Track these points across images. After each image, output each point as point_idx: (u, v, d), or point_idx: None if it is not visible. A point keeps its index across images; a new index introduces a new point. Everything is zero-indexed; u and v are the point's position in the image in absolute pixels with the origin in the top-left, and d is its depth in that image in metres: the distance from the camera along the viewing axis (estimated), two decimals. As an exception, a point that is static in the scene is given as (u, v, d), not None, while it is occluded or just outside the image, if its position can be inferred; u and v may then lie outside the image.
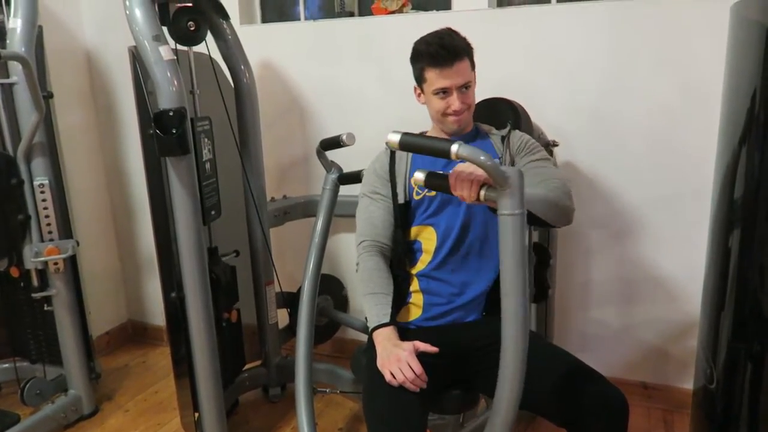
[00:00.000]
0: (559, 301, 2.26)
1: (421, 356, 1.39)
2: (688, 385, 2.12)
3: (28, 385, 2.22)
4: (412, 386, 1.33)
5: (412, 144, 1.21)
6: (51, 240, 2.10)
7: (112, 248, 2.94)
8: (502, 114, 1.73)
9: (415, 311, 1.57)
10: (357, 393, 2.20)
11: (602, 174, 2.12)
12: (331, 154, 2.00)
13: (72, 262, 2.22)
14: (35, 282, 2.13)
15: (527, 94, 1.88)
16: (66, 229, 2.22)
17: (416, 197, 1.57)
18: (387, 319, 1.46)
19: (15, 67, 1.93)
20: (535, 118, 1.83)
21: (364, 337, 2.39)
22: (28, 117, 1.98)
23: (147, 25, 1.66)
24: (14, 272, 2.15)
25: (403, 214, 1.58)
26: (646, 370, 2.27)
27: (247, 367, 2.34)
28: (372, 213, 1.60)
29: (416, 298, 1.58)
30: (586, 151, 2.13)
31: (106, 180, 2.87)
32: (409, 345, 1.39)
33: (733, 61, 1.39)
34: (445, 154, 1.13)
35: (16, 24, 1.94)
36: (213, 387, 1.90)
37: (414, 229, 1.59)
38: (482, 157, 1.10)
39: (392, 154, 1.62)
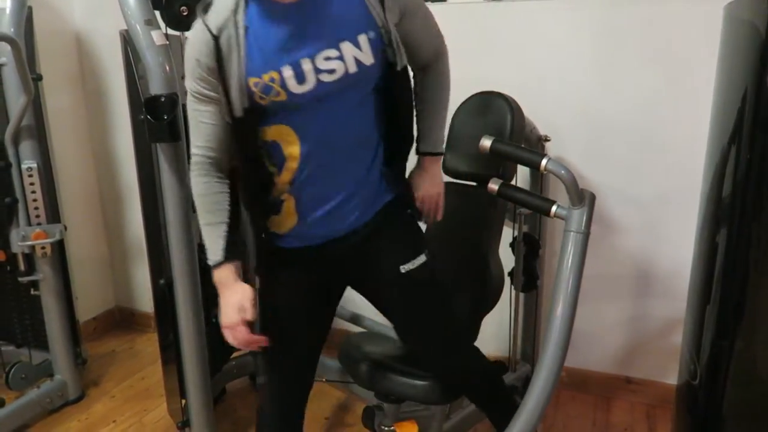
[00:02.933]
0: (546, 292, 2.28)
1: (300, 275, 1.35)
2: (672, 380, 2.15)
3: (13, 369, 2.21)
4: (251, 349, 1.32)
5: (503, 151, 1.26)
6: (38, 224, 2.09)
7: (100, 233, 2.92)
8: (496, 107, 1.73)
9: (289, 221, 1.33)
10: (344, 382, 2.21)
11: (592, 169, 2.13)
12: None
13: (59, 246, 2.20)
14: (22, 266, 2.12)
15: (520, 88, 1.87)
16: (54, 214, 2.20)
17: (261, 101, 1.20)
18: (221, 256, 1.28)
19: (3, 48, 1.91)
20: (527, 112, 1.83)
21: (353, 327, 2.40)
22: (16, 99, 1.95)
23: (139, 9, 1.64)
24: (0, 256, 2.13)
25: (245, 123, 1.23)
26: (631, 364, 2.30)
27: (234, 355, 2.34)
28: (200, 119, 1.26)
29: (288, 207, 1.32)
30: (577, 146, 2.14)
31: (94, 164, 2.85)
32: (240, 294, 1.26)
33: (725, 60, 1.40)
34: (535, 166, 1.23)
35: (5, 4, 1.91)
36: (200, 375, 1.90)
37: (267, 130, 1.25)
38: (563, 172, 1.20)
39: (216, 42, 1.17)
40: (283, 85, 1.18)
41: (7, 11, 1.91)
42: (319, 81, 1.18)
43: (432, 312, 1.41)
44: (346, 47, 1.18)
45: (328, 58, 1.18)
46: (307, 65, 1.17)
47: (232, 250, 1.30)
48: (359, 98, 1.26)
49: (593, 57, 2.05)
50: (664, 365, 2.23)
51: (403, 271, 1.34)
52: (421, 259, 1.36)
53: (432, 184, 1.46)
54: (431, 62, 1.41)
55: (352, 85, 1.22)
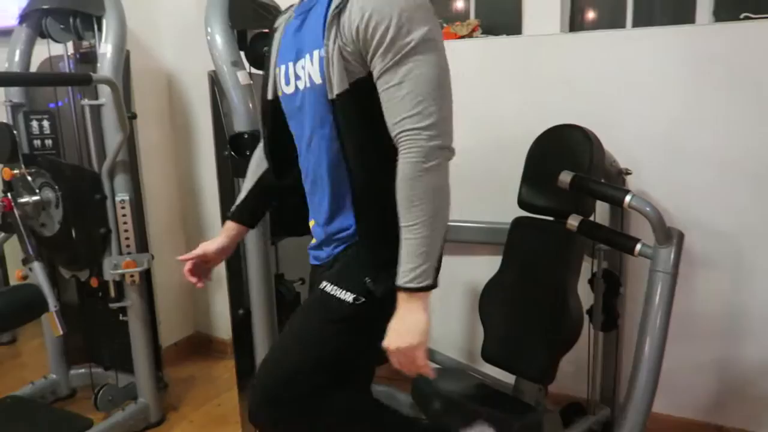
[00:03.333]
0: (628, 331, 2.17)
1: None
2: (770, 431, 1.99)
3: (101, 392, 2.32)
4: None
5: (584, 187, 1.25)
6: (128, 253, 2.20)
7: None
8: (575, 140, 1.70)
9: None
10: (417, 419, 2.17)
11: (675, 202, 2.03)
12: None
13: (147, 274, 2.31)
14: (112, 293, 2.23)
15: (599, 120, 1.83)
16: (142, 243, 2.32)
17: (286, 90, 1.24)
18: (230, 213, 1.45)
19: (103, 90, 2.05)
20: (607, 145, 1.79)
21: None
22: (113, 136, 2.08)
23: (226, 51, 1.73)
24: (94, 283, 2.25)
25: (272, 112, 1.30)
26: (722, 412, 2.14)
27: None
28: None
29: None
30: (661, 180, 2.05)
31: (180, 197, 2.99)
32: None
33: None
34: (618, 203, 1.19)
35: (106, 49, 2.06)
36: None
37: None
38: (648, 209, 1.14)
39: (273, 32, 1.29)
40: (279, 81, 1.26)
41: (108, 56, 2.06)
42: (296, 87, 1.20)
43: (291, 333, 1.24)
44: (306, 61, 1.15)
45: (302, 67, 1.17)
46: (290, 69, 1.21)
47: (237, 210, 1.46)
48: (320, 121, 1.15)
49: (677, 87, 1.97)
50: (759, 414, 2.07)
51: (321, 286, 1.20)
52: (345, 295, 1.15)
53: (399, 334, 1.08)
54: (398, 149, 1.06)
55: (312, 102, 1.16)
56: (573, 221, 1.28)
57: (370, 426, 1.24)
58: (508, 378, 1.78)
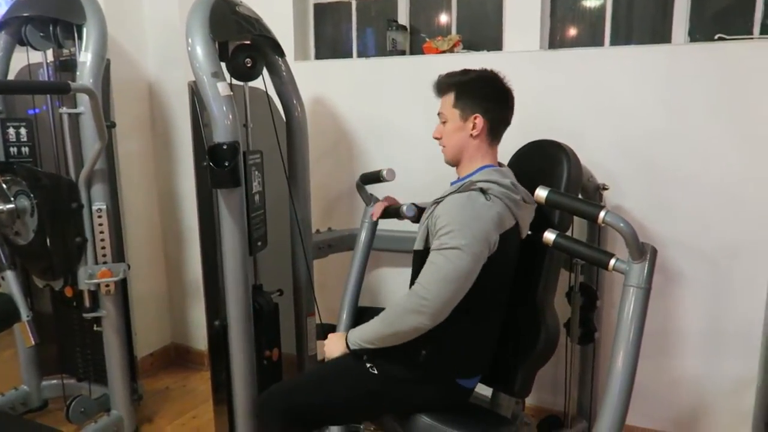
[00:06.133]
0: (605, 344, 2.19)
1: None
2: (743, 445, 2.01)
3: (73, 403, 2.28)
4: None
5: (559, 202, 1.27)
6: (104, 263, 2.17)
7: (160, 272, 3.02)
8: (552, 156, 1.72)
9: None
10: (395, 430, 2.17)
11: (653, 221, 2.07)
12: (377, 190, 2.03)
13: (123, 284, 2.28)
14: (87, 303, 2.20)
15: (578, 137, 1.86)
16: (119, 253, 2.29)
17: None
18: None
19: (82, 98, 2.03)
20: (585, 161, 1.81)
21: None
22: (91, 145, 2.06)
23: (207, 62, 1.73)
24: (68, 292, 2.22)
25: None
26: (696, 427, 2.17)
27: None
28: None
29: None
30: (637, 196, 2.08)
31: (158, 206, 2.97)
32: None
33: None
34: (593, 218, 1.23)
35: (86, 58, 2.04)
36: (250, 416, 1.91)
37: None
38: (622, 224, 1.19)
39: None
40: None
41: (88, 64, 2.04)
42: None
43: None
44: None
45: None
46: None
47: None
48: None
49: (654, 104, 2.01)
50: (733, 429, 2.09)
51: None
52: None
53: (327, 342, 1.66)
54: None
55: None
56: (549, 235, 1.29)
57: None
58: (485, 391, 1.78)
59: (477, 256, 1.42)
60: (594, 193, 2.02)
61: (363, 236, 2.05)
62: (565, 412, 2.17)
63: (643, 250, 1.20)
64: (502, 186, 1.50)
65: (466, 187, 1.49)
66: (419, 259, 1.54)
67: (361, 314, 1.96)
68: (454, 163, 1.65)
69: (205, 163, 1.74)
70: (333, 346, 1.63)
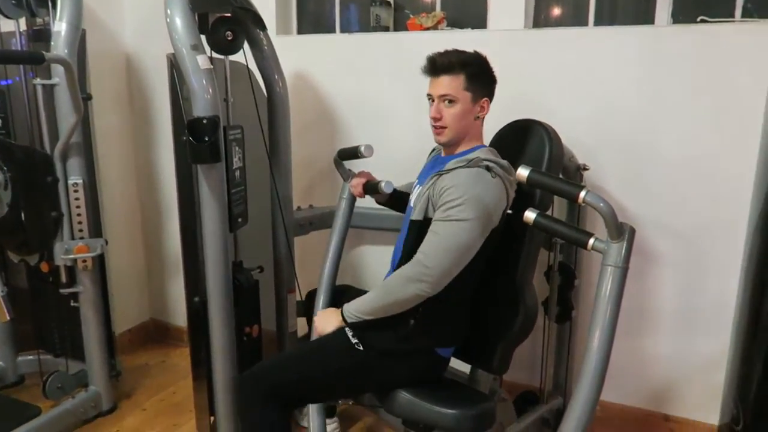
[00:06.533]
0: (581, 323, 2.23)
1: None
2: (713, 420, 2.07)
3: (50, 379, 2.26)
4: None
5: (540, 182, 1.26)
6: (81, 238, 2.15)
7: (138, 248, 2.99)
8: (534, 135, 1.72)
9: None
10: (375, 406, 2.19)
11: (632, 199, 2.09)
12: (358, 168, 2.01)
13: (100, 260, 2.26)
14: (64, 278, 2.18)
15: (560, 116, 1.86)
16: (96, 228, 2.26)
17: (412, 201, 1.69)
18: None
19: (57, 69, 1.98)
20: (567, 141, 1.82)
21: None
22: (66, 118, 2.02)
23: (186, 34, 1.69)
24: (44, 267, 2.19)
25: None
26: (669, 401, 2.22)
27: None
28: None
29: None
30: (617, 176, 2.10)
31: (137, 181, 2.93)
32: None
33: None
34: (573, 198, 1.22)
35: (60, 27, 1.99)
36: (229, 392, 1.92)
37: None
38: (602, 204, 1.19)
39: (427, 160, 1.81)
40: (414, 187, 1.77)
41: (62, 34, 1.99)
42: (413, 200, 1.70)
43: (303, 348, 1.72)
44: (418, 188, 1.68)
45: (417, 189, 1.69)
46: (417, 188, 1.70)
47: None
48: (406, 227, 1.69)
49: (637, 86, 2.02)
50: (705, 404, 2.14)
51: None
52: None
53: (319, 318, 1.67)
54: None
55: (409, 214, 1.68)
56: (530, 214, 1.30)
57: None
58: (463, 367, 1.80)
59: (482, 230, 1.47)
60: (575, 173, 2.03)
61: (341, 212, 2.03)
62: (540, 388, 2.21)
63: (621, 230, 1.21)
64: (501, 166, 1.53)
65: (475, 163, 1.51)
66: (417, 230, 1.55)
67: (342, 293, 1.95)
68: (453, 144, 1.64)
69: (184, 138, 1.71)
70: (326, 321, 1.63)
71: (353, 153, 1.94)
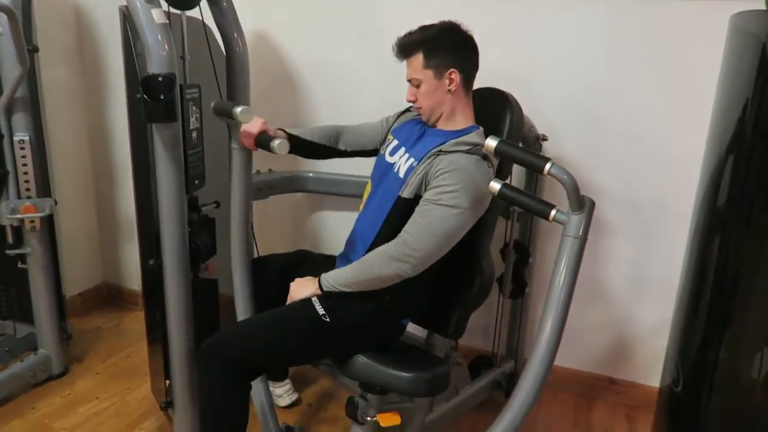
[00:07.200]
0: (536, 297, 2.29)
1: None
2: (655, 383, 2.17)
3: (-3, 342, 2.20)
4: None
5: (507, 152, 1.25)
6: (28, 198, 2.07)
7: (90, 209, 2.90)
8: (496, 104, 1.73)
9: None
10: (329, 365, 2.21)
11: (588, 172, 2.13)
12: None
13: (49, 221, 2.18)
14: (10, 239, 2.10)
15: (520, 86, 1.87)
16: (44, 188, 2.18)
17: (387, 157, 1.70)
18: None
19: (0, 19, 1.87)
20: (527, 110, 1.83)
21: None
22: (11, 71, 1.92)
23: (140, -14, 1.61)
24: (-11, 227, 2.11)
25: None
26: (615, 366, 2.32)
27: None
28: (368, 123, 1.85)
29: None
30: (575, 147, 2.14)
31: (88, 140, 2.82)
32: None
33: (727, 71, 1.40)
34: (538, 169, 1.23)
35: (3, -28, 1.87)
36: (185, 356, 1.89)
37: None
38: (565, 177, 1.21)
39: (400, 116, 1.78)
40: (388, 145, 1.76)
41: (5, -20, 1.87)
42: (393, 162, 1.68)
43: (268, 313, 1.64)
44: (404, 155, 1.65)
45: (401, 156, 1.66)
46: (400, 149, 1.69)
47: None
48: (386, 196, 1.64)
49: (596, 57, 2.04)
50: (648, 368, 2.25)
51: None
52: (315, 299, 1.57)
53: (295, 285, 1.63)
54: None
55: (391, 181, 1.64)
56: (495, 185, 1.30)
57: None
58: (420, 332, 1.84)
59: (471, 218, 1.49)
60: (534, 143, 2.06)
61: (237, 164, 1.74)
62: (494, 353, 2.27)
63: (582, 203, 1.23)
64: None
65: (476, 150, 1.51)
66: (404, 207, 1.54)
67: (300, 259, 1.93)
68: (434, 120, 1.63)
69: (138, 96, 1.64)
70: (301, 288, 1.60)
71: (228, 112, 1.61)
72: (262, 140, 1.63)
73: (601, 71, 2.05)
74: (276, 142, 1.59)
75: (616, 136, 2.08)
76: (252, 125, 1.63)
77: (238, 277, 1.83)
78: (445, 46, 1.57)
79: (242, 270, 1.83)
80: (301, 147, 1.78)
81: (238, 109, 1.58)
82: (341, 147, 1.84)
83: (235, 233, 1.82)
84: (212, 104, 1.74)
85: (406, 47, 1.56)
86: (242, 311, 1.81)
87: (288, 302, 1.62)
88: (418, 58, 1.55)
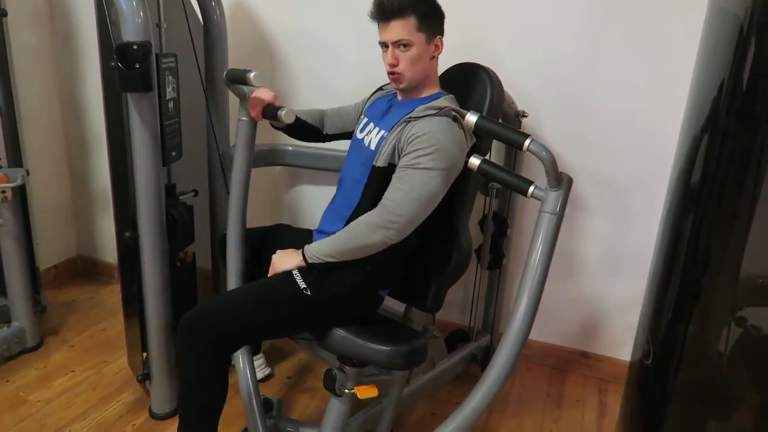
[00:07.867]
0: (511, 269, 2.32)
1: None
2: (626, 357, 2.23)
3: (-32, 314, 2.17)
4: None
5: (488, 128, 1.24)
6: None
7: (64, 180, 2.85)
8: (476, 80, 1.72)
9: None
10: (307, 339, 2.22)
11: (565, 148, 2.15)
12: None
13: (21, 191, 2.14)
14: (-20, 209, 2.06)
15: (502, 61, 1.86)
16: (15, 157, 2.14)
17: (359, 134, 1.71)
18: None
19: (-34, -21, 1.80)
20: (508, 87, 1.83)
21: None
22: (-22, 35, 1.86)
23: (114, -51, 1.56)
24: (-42, 198, 2.06)
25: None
26: (588, 340, 2.38)
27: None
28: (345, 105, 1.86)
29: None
30: (553, 124, 2.15)
31: (61, 108, 2.75)
32: None
33: (705, 50, 1.41)
34: (518, 146, 1.22)
35: (-31, -69, 1.80)
36: (163, 329, 1.89)
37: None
38: (544, 153, 1.21)
39: (371, 97, 1.79)
40: (359, 124, 1.76)
41: (-29, -61, 1.80)
42: (364, 138, 1.68)
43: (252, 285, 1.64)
44: (375, 130, 1.66)
45: (371, 131, 1.67)
46: (369, 125, 1.70)
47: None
48: (362, 169, 1.63)
49: (578, 34, 2.04)
50: (619, 342, 2.31)
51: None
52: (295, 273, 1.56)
53: (277, 257, 1.62)
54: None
55: (365, 156, 1.64)
56: (474, 160, 1.32)
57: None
58: (398, 306, 1.85)
59: (449, 179, 1.50)
60: (513, 119, 2.06)
61: (243, 135, 1.78)
62: (470, 327, 2.30)
63: (560, 179, 1.25)
64: (462, 116, 1.51)
65: (445, 112, 1.50)
66: (380, 176, 1.54)
67: (277, 232, 1.93)
68: (412, 87, 1.60)
69: (113, 64, 1.60)
70: (284, 259, 1.59)
71: (241, 78, 1.68)
72: (270, 110, 1.70)
73: (580, 48, 2.04)
74: (284, 111, 1.66)
75: (595, 114, 2.09)
76: (263, 92, 1.70)
77: (233, 248, 1.84)
78: (437, 12, 1.57)
79: (236, 241, 1.84)
80: (297, 125, 1.79)
81: (252, 74, 1.64)
82: (325, 131, 1.86)
83: (233, 205, 1.84)
84: (224, 72, 1.77)
85: (400, 8, 1.50)
86: (233, 282, 1.81)
87: (270, 274, 1.61)
88: (411, 20, 1.51)
